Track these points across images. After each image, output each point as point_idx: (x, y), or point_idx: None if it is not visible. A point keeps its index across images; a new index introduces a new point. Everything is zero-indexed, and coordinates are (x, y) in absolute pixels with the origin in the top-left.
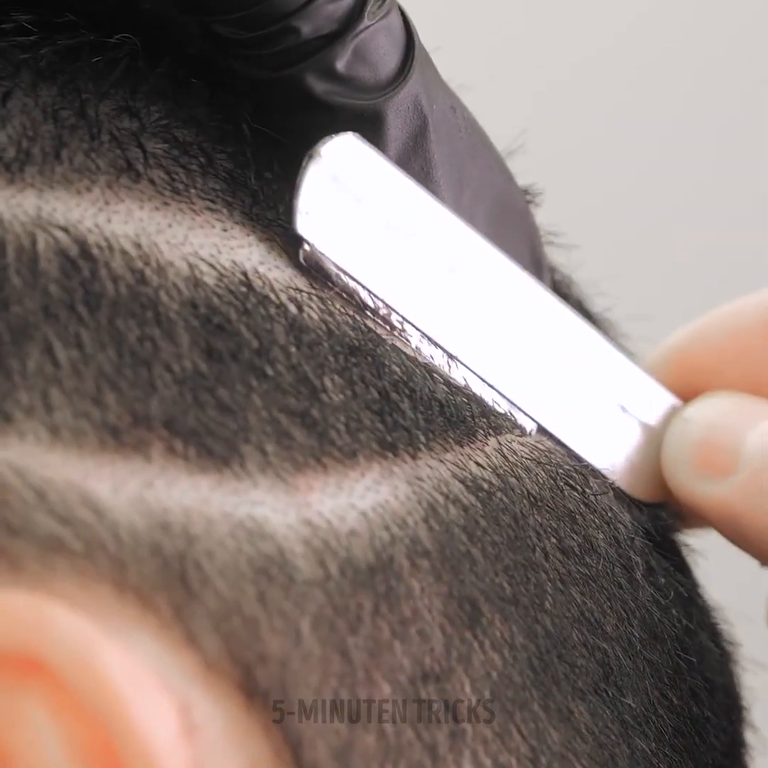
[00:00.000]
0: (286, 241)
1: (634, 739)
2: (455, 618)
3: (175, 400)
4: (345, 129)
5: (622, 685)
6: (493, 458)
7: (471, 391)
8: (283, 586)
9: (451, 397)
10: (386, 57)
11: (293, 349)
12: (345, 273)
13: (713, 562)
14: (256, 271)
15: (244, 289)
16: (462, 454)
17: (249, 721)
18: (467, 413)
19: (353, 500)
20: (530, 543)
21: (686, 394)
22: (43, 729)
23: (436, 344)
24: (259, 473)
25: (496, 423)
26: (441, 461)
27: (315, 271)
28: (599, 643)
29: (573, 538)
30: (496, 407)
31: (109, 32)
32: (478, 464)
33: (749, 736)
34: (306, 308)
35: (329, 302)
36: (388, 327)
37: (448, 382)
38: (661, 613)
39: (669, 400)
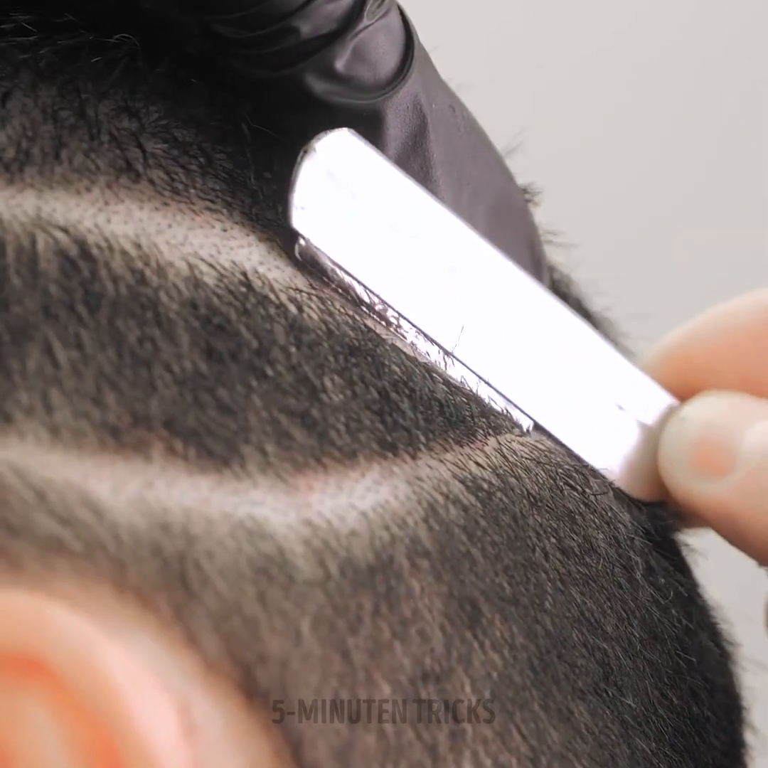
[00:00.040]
0: (283, 236)
1: (634, 739)
2: (455, 618)
3: (175, 401)
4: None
5: (622, 685)
6: (493, 458)
7: (470, 390)
8: (283, 586)
9: (451, 397)
10: (385, 56)
11: (293, 350)
12: (341, 268)
13: (713, 562)
14: (256, 272)
15: (243, 289)
16: (462, 454)
17: (249, 721)
18: (467, 413)
19: (353, 500)
20: (530, 543)
21: (683, 393)
22: (43, 729)
23: (431, 340)
24: (259, 473)
25: (496, 423)
26: (441, 461)
27: (311, 266)
28: (599, 643)
29: (573, 538)
30: (493, 405)
31: (109, 32)
32: (477, 464)
33: (749, 737)
34: (306, 308)
35: (329, 302)
36: (383, 323)
37: (448, 382)
38: (661, 613)
39: (666, 399)
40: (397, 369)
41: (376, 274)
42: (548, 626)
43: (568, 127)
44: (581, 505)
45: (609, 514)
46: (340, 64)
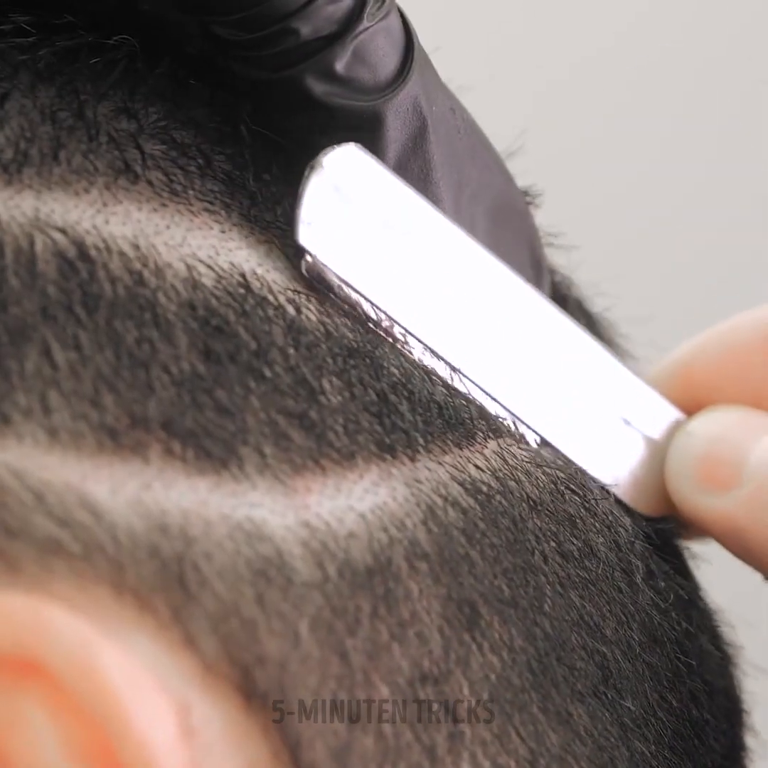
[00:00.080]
0: (288, 250)
1: (634, 741)
2: (454, 620)
3: (173, 402)
4: (344, 130)
5: (621, 688)
6: (493, 461)
7: (469, 393)
8: (281, 587)
9: (450, 399)
10: (385, 58)
11: (291, 351)
12: (347, 284)
13: (715, 566)
14: (255, 273)
15: (242, 290)
16: (461, 457)
17: (247, 723)
18: (466, 415)
19: (351, 502)
20: (529, 546)
21: (690, 408)
22: (41, 730)
23: (438, 357)
24: (258, 475)
25: (496, 425)
26: (440, 463)
27: (317, 282)
28: (598, 646)
29: (573, 542)
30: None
31: (108, 33)
32: (477, 467)
33: (750, 740)
34: (304, 310)
35: (327, 304)
36: (390, 339)
37: (447, 384)
38: (661, 616)
39: (673, 413)
40: (395, 371)
41: (382, 290)
42: (547, 629)
43: (568, 128)
44: (582, 509)
45: (610, 518)
46: (340, 66)
